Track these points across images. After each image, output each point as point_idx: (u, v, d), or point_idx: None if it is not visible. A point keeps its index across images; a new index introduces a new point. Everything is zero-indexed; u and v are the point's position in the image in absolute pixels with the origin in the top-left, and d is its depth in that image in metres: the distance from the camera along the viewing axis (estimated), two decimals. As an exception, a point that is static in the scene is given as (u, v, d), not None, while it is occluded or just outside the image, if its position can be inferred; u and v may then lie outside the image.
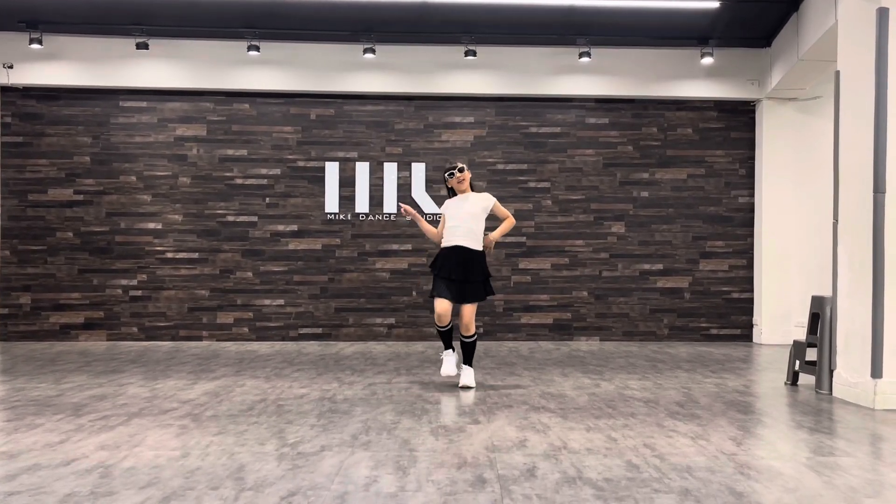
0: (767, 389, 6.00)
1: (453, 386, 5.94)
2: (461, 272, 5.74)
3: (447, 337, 5.95)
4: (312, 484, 3.26)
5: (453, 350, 5.99)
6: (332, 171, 9.49)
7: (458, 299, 5.78)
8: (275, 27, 8.99)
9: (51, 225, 9.35)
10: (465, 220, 5.82)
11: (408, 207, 6.17)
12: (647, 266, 9.66)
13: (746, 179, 9.72)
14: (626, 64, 9.45)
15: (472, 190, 6.03)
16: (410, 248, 9.49)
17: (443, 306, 5.75)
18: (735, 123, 9.74)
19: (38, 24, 8.81)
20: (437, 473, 3.43)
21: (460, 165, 5.97)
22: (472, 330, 5.84)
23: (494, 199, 5.99)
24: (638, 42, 9.34)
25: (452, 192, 6.05)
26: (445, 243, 5.87)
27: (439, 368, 6.26)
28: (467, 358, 5.94)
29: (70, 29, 9.01)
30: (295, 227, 9.49)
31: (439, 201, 9.41)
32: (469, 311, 5.79)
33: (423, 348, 8.62)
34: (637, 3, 8.55)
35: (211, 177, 9.46)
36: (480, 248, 5.86)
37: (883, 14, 5.19)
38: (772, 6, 8.64)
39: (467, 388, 5.84)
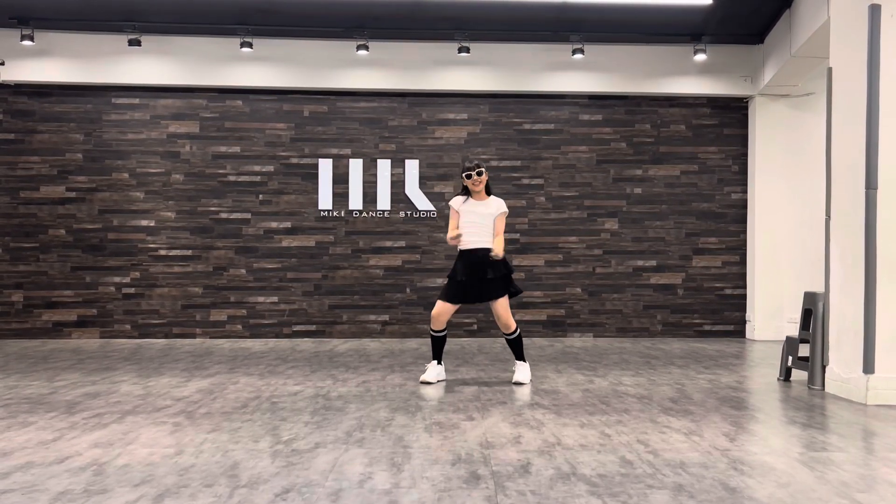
0: (760, 385, 6.02)
1: (445, 383, 5.94)
2: (470, 272, 5.73)
3: (438, 345, 5.93)
4: (307, 481, 3.26)
5: (439, 363, 5.98)
6: (325, 167, 9.48)
7: (466, 300, 5.82)
8: (267, 24, 8.97)
9: (43, 222, 9.31)
10: (483, 224, 5.81)
11: (458, 235, 5.83)
12: (640, 262, 9.68)
13: (739, 176, 9.74)
14: (619, 60, 9.46)
15: (489, 193, 5.95)
16: (404, 245, 9.49)
17: (440, 307, 5.78)
18: (728, 120, 9.76)
19: (29, 20, 8.76)
20: (431, 470, 3.43)
21: (479, 168, 5.85)
22: (513, 326, 5.83)
23: (505, 211, 5.89)
24: (631, 38, 9.34)
25: (466, 190, 5.96)
26: (463, 246, 5.84)
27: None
28: (518, 353, 5.94)
29: (62, 25, 8.97)
30: (288, 224, 9.48)
31: (432, 198, 9.43)
32: (501, 308, 5.75)
33: (417, 345, 8.62)
34: (630, 0, 8.54)
35: (204, 174, 9.43)
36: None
37: (875, 11, 5.21)
38: (765, 3, 8.66)
39: (519, 384, 5.82)
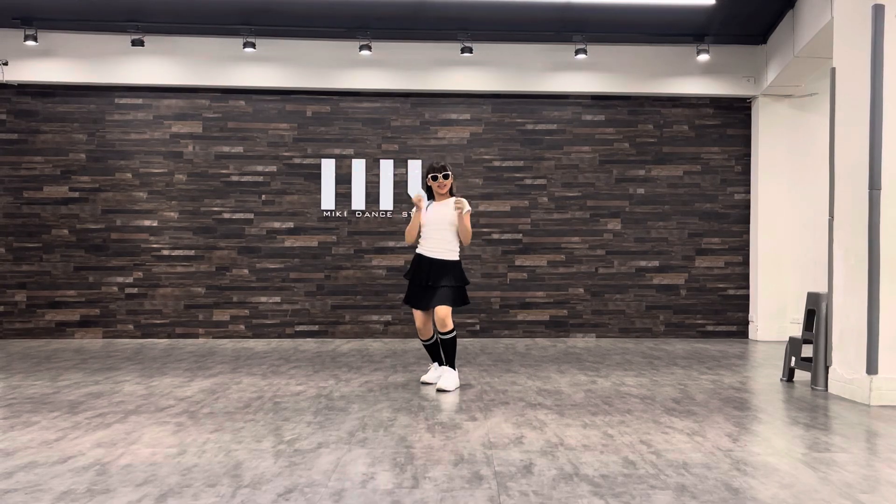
0: (763, 386, 6.01)
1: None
2: (429, 278, 5.56)
3: (431, 351, 5.84)
4: (309, 481, 3.26)
5: (440, 364, 5.88)
6: (328, 168, 9.48)
7: (428, 305, 5.59)
8: (271, 24, 8.97)
9: (46, 222, 9.33)
10: (442, 229, 5.63)
11: (421, 199, 5.69)
12: (643, 263, 9.67)
13: (742, 176, 9.73)
14: (622, 61, 9.45)
15: (452, 195, 5.77)
16: (406, 246, 9.48)
17: (419, 319, 5.67)
18: (731, 120, 9.75)
19: (32, 20, 8.78)
20: (433, 470, 3.43)
21: (446, 172, 5.67)
22: (450, 325, 5.51)
23: (469, 209, 5.66)
24: (634, 39, 9.34)
25: (430, 191, 5.78)
26: (420, 250, 5.70)
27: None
28: (448, 358, 5.64)
29: (65, 26, 8.98)
30: (291, 225, 9.48)
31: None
32: (442, 309, 5.50)
33: (420, 345, 8.62)
34: (633, 0, 8.53)
35: (207, 174, 9.44)
36: (456, 258, 5.68)
37: (878, 11, 5.20)
38: (767, 3, 8.64)
39: (443, 391, 5.52)
